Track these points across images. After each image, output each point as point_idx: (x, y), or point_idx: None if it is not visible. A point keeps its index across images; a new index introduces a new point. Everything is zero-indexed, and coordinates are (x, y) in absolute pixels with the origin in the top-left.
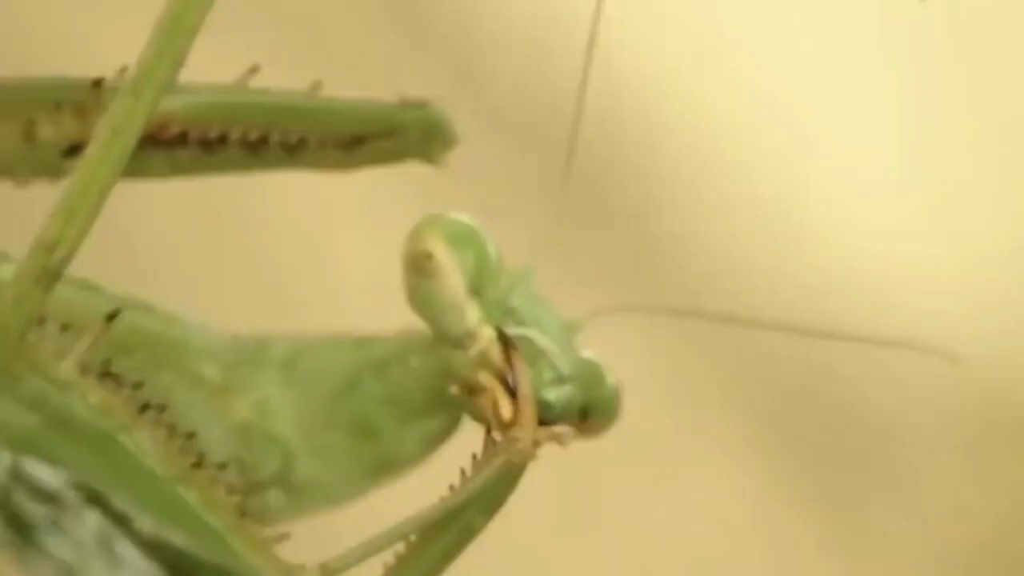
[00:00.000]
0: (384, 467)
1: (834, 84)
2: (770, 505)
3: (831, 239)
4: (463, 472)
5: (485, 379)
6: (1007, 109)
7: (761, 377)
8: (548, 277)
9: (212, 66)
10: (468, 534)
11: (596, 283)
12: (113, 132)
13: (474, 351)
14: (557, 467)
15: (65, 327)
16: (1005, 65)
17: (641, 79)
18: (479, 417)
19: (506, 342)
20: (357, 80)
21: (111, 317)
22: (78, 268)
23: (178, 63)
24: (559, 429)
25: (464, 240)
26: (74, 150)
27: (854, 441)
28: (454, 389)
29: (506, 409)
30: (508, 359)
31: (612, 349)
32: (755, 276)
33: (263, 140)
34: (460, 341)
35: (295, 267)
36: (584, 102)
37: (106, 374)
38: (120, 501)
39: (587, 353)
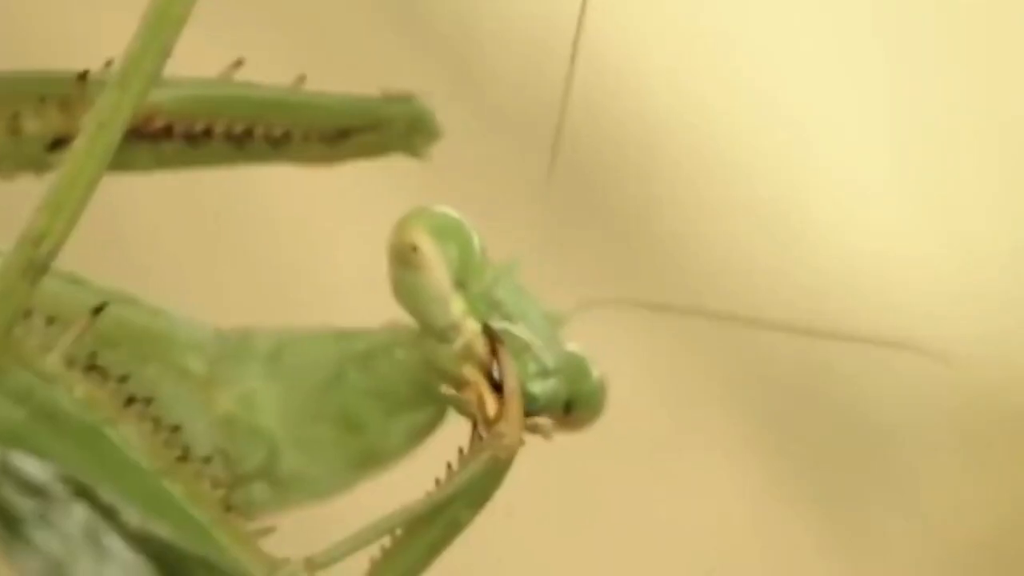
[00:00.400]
0: (369, 460)
1: (833, 84)
2: (770, 505)
3: (831, 239)
4: (449, 466)
5: (470, 373)
6: (1007, 109)
7: (761, 377)
8: (547, 276)
9: (197, 60)
10: (454, 528)
11: (596, 284)
12: (99, 126)
13: (459, 344)
14: (557, 465)
15: (51, 320)
16: (1004, 65)
17: (640, 79)
18: (465, 411)
19: (491, 335)
20: (347, 76)
21: (97, 310)
22: (68, 263)
23: (164, 57)
24: (542, 420)
25: (449, 233)
26: (59, 143)
27: (854, 441)
28: (445, 388)
29: (491, 404)
30: (493, 352)
31: (612, 348)
32: (755, 276)
33: (248, 133)
34: (445, 334)
35: (287, 262)
36: (569, 99)
37: (92, 367)
38: (107, 494)
39: (572, 346)
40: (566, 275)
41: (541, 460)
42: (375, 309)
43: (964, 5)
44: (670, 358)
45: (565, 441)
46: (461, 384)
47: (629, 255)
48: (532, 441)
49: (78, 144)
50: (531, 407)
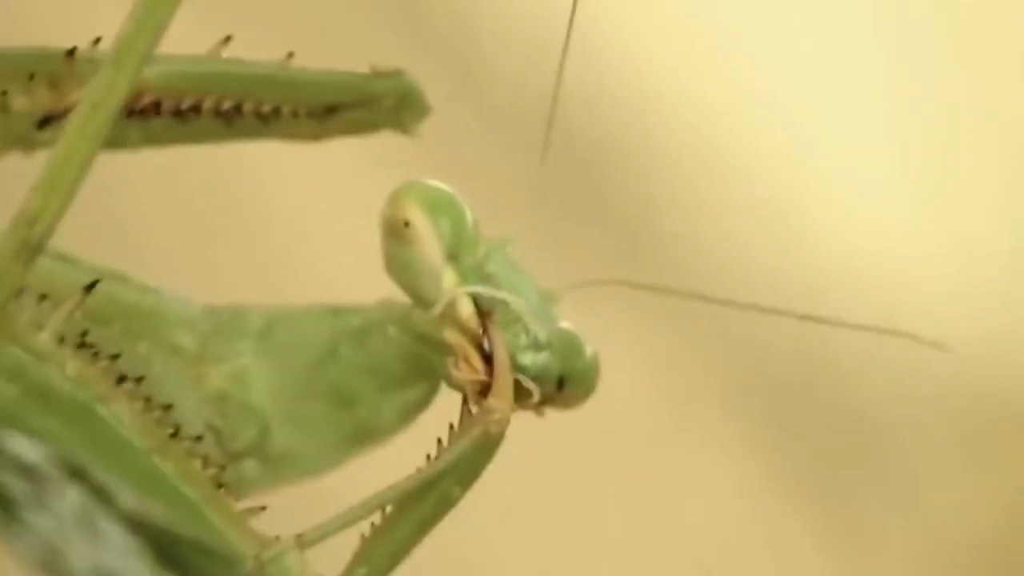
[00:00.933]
0: (361, 436)
1: (833, 84)
2: (768, 501)
3: (831, 239)
4: (440, 442)
5: (458, 343)
6: (1007, 109)
7: (760, 373)
8: (544, 277)
9: (186, 37)
10: (445, 505)
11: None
12: (93, 105)
13: (448, 315)
14: (555, 460)
15: (43, 298)
16: (1005, 65)
17: (640, 79)
18: (456, 385)
19: (480, 306)
20: (340, 60)
21: (88, 288)
22: (61, 243)
23: (159, 36)
24: (532, 388)
25: (441, 206)
26: (48, 121)
27: (852, 438)
28: (447, 364)
29: (481, 375)
30: (483, 324)
31: (611, 345)
32: (754, 275)
33: (236, 110)
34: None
35: (279, 240)
36: (560, 92)
37: (83, 345)
38: (100, 475)
39: (565, 324)
40: (564, 278)
41: (538, 454)
42: (368, 286)
43: (964, 5)
44: (668, 354)
45: (562, 436)
46: (452, 356)
47: (629, 256)
48: (530, 437)
49: (72, 124)
50: (522, 378)
